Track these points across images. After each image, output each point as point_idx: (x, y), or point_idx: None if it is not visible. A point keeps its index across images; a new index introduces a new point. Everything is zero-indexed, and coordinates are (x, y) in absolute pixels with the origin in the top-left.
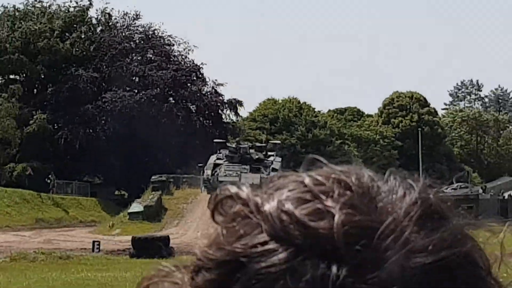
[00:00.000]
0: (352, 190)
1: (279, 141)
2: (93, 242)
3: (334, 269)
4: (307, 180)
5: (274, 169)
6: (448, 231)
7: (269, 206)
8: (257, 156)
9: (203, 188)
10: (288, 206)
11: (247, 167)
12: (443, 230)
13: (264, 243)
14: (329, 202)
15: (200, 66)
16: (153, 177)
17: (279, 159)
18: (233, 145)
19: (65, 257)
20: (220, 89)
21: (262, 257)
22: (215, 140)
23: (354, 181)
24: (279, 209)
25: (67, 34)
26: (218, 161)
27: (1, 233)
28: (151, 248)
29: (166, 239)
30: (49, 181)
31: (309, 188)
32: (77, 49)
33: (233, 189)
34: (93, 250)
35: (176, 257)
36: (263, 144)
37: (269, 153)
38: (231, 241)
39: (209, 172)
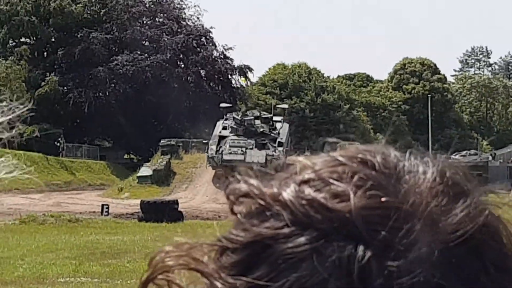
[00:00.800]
0: (377, 170)
1: (286, 106)
2: (102, 205)
3: (360, 250)
4: (328, 162)
5: (280, 143)
6: (470, 207)
7: (287, 194)
8: (262, 129)
9: (208, 165)
10: (309, 191)
11: (253, 141)
12: (465, 206)
13: (288, 227)
14: (352, 184)
15: (210, 30)
16: (162, 141)
17: (287, 126)
18: (239, 116)
19: (74, 220)
20: (230, 54)
21: (288, 238)
22: (221, 105)
23: (379, 161)
24: (298, 196)
25: None
26: (224, 132)
27: (11, 196)
28: (160, 212)
29: (175, 203)
30: (58, 144)
31: (331, 170)
32: (89, 12)
33: (246, 186)
34: (102, 214)
35: (185, 221)
36: (269, 115)
37: (276, 119)
38: (256, 223)
39: (213, 148)
